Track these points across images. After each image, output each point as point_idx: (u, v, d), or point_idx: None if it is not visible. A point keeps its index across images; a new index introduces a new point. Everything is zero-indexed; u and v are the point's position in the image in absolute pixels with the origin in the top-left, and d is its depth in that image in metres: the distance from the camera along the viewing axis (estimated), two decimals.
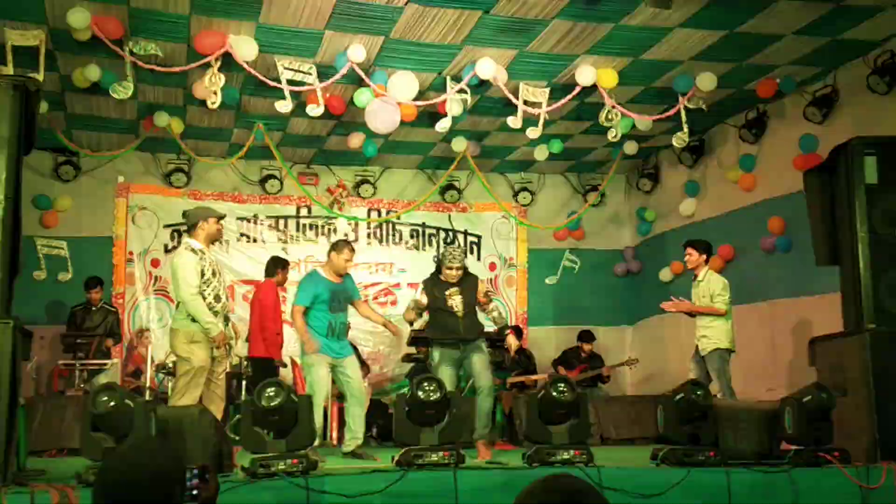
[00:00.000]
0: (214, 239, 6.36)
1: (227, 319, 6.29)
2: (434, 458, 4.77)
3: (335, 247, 6.95)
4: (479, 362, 6.74)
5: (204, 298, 5.98)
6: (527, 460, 5.18)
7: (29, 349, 4.83)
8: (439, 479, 4.62)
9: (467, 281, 6.82)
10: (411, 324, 7.37)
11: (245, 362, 8.69)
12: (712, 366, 7.27)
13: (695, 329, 7.49)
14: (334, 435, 8.91)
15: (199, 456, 4.36)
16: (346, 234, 11.07)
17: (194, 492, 2.67)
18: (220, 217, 6.33)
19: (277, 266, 8.83)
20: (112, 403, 4.31)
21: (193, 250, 6.08)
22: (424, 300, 6.79)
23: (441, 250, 7.38)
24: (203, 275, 6.00)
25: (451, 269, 6.71)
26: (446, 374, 6.49)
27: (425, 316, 7.03)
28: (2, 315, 4.43)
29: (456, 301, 6.66)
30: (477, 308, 6.88)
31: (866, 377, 5.56)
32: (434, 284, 6.82)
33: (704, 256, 7.52)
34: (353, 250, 6.99)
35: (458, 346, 6.74)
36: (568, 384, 5.19)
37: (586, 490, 1.62)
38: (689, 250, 7.56)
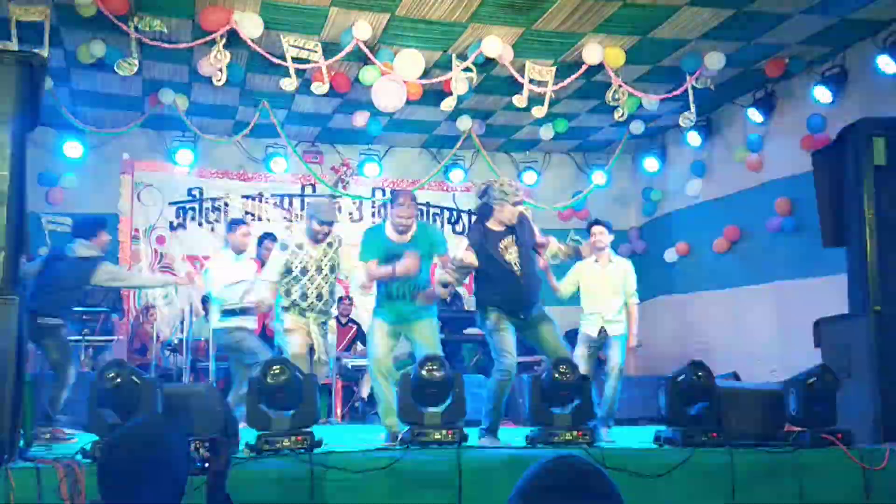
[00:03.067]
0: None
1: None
2: (437, 436, 4.79)
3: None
4: (550, 333, 5.61)
5: (289, 294, 5.98)
6: (529, 441, 5.20)
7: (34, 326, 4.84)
8: (442, 458, 4.64)
9: (522, 225, 5.44)
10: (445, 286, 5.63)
11: None
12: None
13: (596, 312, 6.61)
14: (338, 412, 8.95)
15: (206, 433, 4.39)
16: (350, 214, 11.08)
17: (206, 464, 2.68)
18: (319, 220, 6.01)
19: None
20: (118, 380, 4.33)
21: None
22: (474, 260, 5.41)
23: (484, 185, 5.55)
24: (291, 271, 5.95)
25: (511, 204, 5.27)
26: (510, 341, 5.42)
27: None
28: (7, 291, 4.44)
29: (513, 254, 5.40)
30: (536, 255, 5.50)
31: (872, 359, 5.56)
32: (483, 235, 5.44)
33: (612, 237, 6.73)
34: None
35: (520, 315, 5.50)
36: (571, 366, 5.20)
37: (592, 472, 1.61)
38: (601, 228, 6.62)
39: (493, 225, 5.45)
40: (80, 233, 6.75)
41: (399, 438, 5.03)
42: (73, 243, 6.67)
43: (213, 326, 6.98)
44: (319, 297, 6.00)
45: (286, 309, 6.01)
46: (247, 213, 10.74)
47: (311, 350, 5.98)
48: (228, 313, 6.72)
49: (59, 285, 6.43)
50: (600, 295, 6.52)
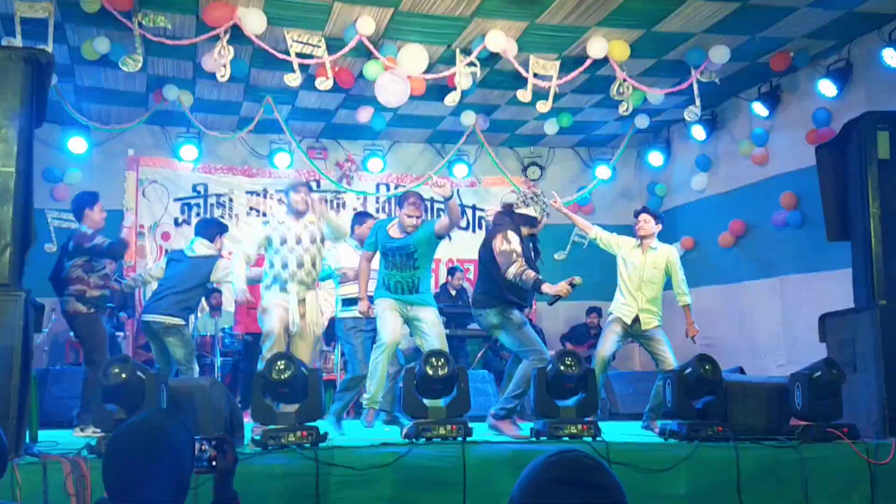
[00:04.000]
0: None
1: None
2: (442, 431, 4.80)
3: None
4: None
5: (272, 266, 6.11)
6: (534, 434, 5.20)
7: (41, 321, 4.86)
8: (447, 453, 4.65)
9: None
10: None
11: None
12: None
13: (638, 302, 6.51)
14: None
15: (211, 427, 4.40)
16: (355, 209, 11.07)
17: (213, 462, 2.69)
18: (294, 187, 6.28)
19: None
20: (124, 375, 4.34)
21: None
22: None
23: (531, 195, 5.99)
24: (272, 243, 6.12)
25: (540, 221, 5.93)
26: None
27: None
28: (14, 287, 4.46)
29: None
30: None
31: (877, 353, 5.55)
32: (519, 236, 5.84)
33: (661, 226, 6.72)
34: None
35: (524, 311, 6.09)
36: (576, 359, 5.20)
37: (594, 466, 1.61)
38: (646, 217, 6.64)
39: (524, 231, 5.86)
40: (203, 233, 7.08)
41: (404, 434, 5.05)
42: (192, 243, 7.04)
43: (341, 315, 6.73)
44: (300, 265, 6.06)
45: (267, 287, 6.12)
46: (251, 208, 10.75)
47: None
48: (350, 302, 6.62)
49: (181, 285, 6.78)
50: (636, 281, 6.46)
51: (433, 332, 5.86)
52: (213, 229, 7.14)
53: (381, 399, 5.95)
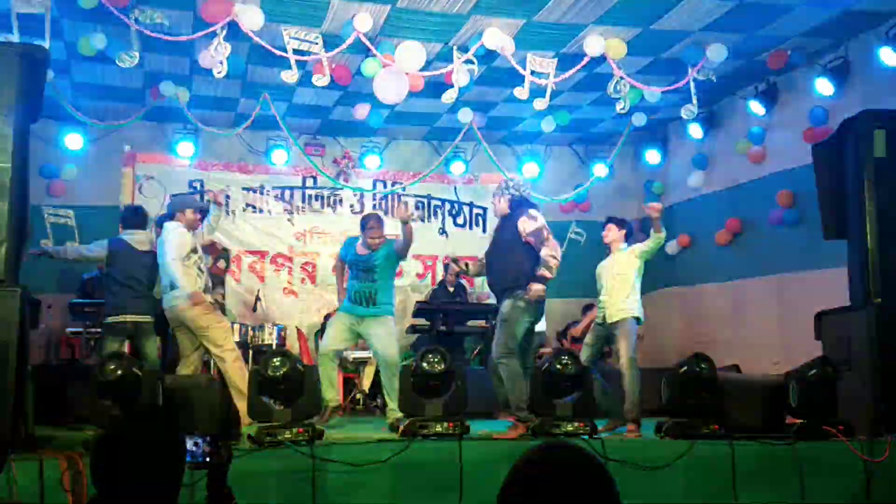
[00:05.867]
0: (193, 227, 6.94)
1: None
2: (439, 428, 4.80)
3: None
4: None
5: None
6: (531, 432, 5.21)
7: (37, 317, 4.86)
8: (444, 450, 4.66)
9: None
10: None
11: None
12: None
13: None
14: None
15: (207, 424, 4.40)
16: (352, 206, 11.08)
17: (207, 458, 2.69)
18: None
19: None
20: (119, 372, 4.34)
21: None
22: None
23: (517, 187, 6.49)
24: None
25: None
26: None
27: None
28: (9, 283, 4.45)
29: None
30: None
31: (872, 351, 5.56)
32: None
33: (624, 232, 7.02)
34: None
35: None
36: (572, 357, 5.21)
37: (584, 459, 1.61)
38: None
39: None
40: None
41: (400, 431, 5.06)
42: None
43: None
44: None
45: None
46: (248, 205, 10.74)
47: None
48: None
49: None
50: (604, 284, 6.73)
51: (380, 344, 6.56)
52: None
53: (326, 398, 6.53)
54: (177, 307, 6.58)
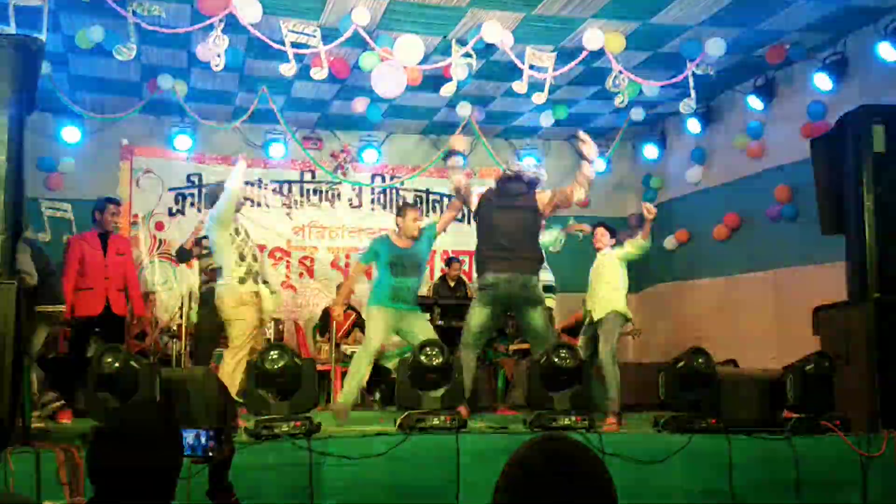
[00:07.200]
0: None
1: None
2: (436, 421, 4.80)
3: (399, 211, 7.01)
4: None
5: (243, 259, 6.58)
6: (528, 426, 5.21)
7: (32, 310, 4.84)
8: (441, 443, 4.66)
9: None
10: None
11: None
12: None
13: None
14: (338, 398, 8.94)
15: (204, 417, 4.40)
16: (350, 200, 11.06)
17: (210, 453, 2.68)
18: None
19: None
20: (117, 365, 4.34)
21: None
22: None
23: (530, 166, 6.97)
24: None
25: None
26: None
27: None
28: (5, 275, 4.44)
29: None
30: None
31: (870, 346, 5.57)
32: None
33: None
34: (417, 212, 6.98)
35: None
36: (570, 351, 5.21)
37: (581, 453, 1.61)
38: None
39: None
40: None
41: (397, 424, 5.06)
42: None
43: None
44: (255, 257, 6.70)
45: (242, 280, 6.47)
46: (245, 199, 10.70)
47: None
48: None
49: None
50: (591, 285, 7.01)
51: (424, 335, 6.10)
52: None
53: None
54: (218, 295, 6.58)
